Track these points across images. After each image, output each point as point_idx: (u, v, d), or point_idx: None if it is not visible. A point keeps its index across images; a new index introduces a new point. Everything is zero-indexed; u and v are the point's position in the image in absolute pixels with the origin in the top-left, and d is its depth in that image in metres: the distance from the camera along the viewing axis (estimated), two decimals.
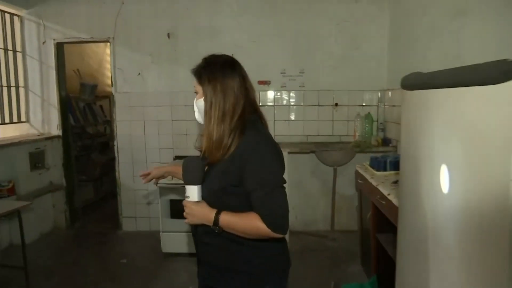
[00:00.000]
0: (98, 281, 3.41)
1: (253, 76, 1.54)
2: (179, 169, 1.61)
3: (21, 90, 4.65)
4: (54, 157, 4.61)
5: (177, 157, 4.37)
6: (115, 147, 4.55)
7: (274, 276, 1.51)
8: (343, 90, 4.34)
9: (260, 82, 4.31)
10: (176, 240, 3.83)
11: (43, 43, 4.60)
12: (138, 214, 4.58)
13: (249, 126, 1.42)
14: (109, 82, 6.33)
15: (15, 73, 4.58)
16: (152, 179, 1.92)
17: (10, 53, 4.53)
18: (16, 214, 3.15)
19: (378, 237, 2.99)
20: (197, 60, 1.52)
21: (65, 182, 4.65)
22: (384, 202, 2.58)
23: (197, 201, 1.42)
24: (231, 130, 1.40)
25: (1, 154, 3.98)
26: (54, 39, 4.56)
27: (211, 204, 1.40)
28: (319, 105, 4.38)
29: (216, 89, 1.41)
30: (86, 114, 5.35)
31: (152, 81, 4.48)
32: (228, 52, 1.56)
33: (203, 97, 1.45)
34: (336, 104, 4.33)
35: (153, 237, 4.33)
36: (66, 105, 4.72)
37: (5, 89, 4.43)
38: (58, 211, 4.65)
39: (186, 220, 1.45)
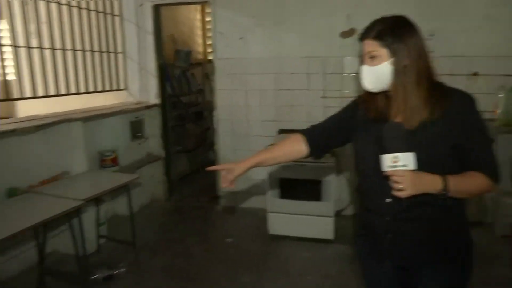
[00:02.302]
0: (206, 262, 3.19)
1: None
2: (263, 157, 1.58)
3: (120, 56, 4.48)
4: (153, 127, 4.44)
5: (282, 131, 3.98)
6: (215, 118, 4.26)
7: (471, 244, 1.44)
8: (483, 56, 3.59)
9: None
10: (285, 223, 3.49)
11: (140, 5, 4.36)
12: (239, 189, 4.30)
13: (446, 85, 1.37)
14: (201, 49, 6.07)
15: (113, 38, 4.40)
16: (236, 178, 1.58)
17: (109, 17, 4.33)
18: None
19: None
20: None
21: (163, 153, 4.49)
22: None
23: (414, 169, 1.24)
24: (430, 92, 1.32)
25: (105, 123, 3.85)
26: (151, 1, 4.29)
27: (428, 171, 1.26)
28: (451, 75, 3.67)
29: (409, 49, 1.31)
30: (181, 83, 5.11)
31: (255, 46, 4.05)
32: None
33: (390, 60, 1.32)
34: (476, 74, 3.62)
35: (255, 215, 4.06)
36: (163, 73, 4.49)
37: (105, 55, 4.27)
38: (156, 182, 4.52)
39: (401, 193, 1.23)
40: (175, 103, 5.00)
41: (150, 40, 4.38)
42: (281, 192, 3.47)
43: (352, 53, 3.72)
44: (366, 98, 1.46)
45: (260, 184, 4.17)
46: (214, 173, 4.44)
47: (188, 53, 5.17)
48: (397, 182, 1.23)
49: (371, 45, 1.34)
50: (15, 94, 3.68)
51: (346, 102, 1.65)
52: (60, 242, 3.23)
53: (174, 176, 4.70)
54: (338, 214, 3.68)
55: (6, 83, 2.96)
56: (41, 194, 2.66)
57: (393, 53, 1.32)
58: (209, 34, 5.35)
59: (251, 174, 4.16)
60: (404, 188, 1.23)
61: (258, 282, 2.90)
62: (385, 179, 1.29)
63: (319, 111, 3.89)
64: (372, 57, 1.34)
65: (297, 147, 1.60)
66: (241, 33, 4.06)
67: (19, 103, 4.56)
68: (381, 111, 1.42)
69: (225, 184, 1.56)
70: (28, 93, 3.44)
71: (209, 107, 5.94)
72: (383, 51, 1.33)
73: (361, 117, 1.48)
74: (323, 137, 1.61)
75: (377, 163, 1.30)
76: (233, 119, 4.19)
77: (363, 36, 1.37)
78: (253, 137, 4.16)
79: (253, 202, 4.25)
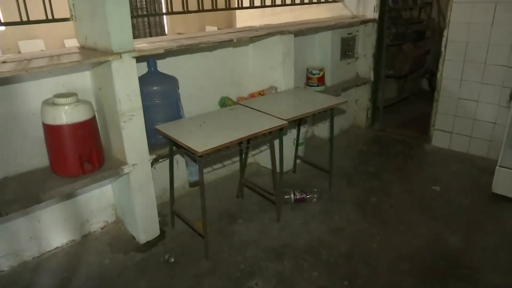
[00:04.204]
0: (403, 207, 2.80)
1: None
2: None
3: None
4: (365, 46, 3.97)
5: None
6: (444, 38, 3.46)
7: None
8: None
9: None
10: None
11: None
12: (456, 129, 3.58)
13: None
14: None
15: None
16: None
17: None
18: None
19: None
20: None
21: (373, 76, 4.02)
22: None
23: None
24: None
25: (315, 38, 3.61)
26: None
27: None
28: None
29: None
30: None
31: None
32: None
33: None
34: None
35: (473, 164, 3.36)
36: None
37: None
38: (360, 108, 4.18)
39: None
40: (394, 18, 4.30)
41: None
42: None
43: None
44: None
45: (489, 127, 3.35)
46: (427, 105, 3.79)
47: None
48: None
49: None
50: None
51: None
52: (260, 154, 3.37)
53: (380, 103, 4.22)
54: None
55: None
56: (249, 108, 2.67)
57: None
58: None
59: (476, 112, 3.37)
60: None
61: (470, 248, 2.37)
62: None
63: None
64: None
65: None
66: None
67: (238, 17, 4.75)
68: None
69: None
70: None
71: (434, 26, 4.99)
72: None
73: None
74: None
75: None
76: (469, 41, 3.31)
77: None
78: (491, 67, 3.25)
79: (474, 148, 3.49)
